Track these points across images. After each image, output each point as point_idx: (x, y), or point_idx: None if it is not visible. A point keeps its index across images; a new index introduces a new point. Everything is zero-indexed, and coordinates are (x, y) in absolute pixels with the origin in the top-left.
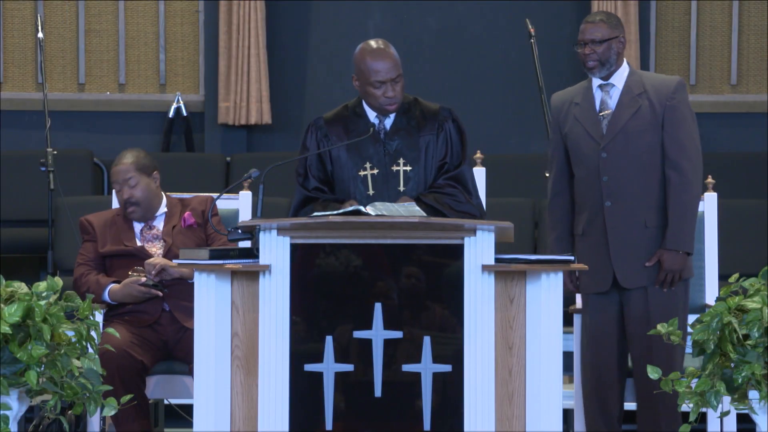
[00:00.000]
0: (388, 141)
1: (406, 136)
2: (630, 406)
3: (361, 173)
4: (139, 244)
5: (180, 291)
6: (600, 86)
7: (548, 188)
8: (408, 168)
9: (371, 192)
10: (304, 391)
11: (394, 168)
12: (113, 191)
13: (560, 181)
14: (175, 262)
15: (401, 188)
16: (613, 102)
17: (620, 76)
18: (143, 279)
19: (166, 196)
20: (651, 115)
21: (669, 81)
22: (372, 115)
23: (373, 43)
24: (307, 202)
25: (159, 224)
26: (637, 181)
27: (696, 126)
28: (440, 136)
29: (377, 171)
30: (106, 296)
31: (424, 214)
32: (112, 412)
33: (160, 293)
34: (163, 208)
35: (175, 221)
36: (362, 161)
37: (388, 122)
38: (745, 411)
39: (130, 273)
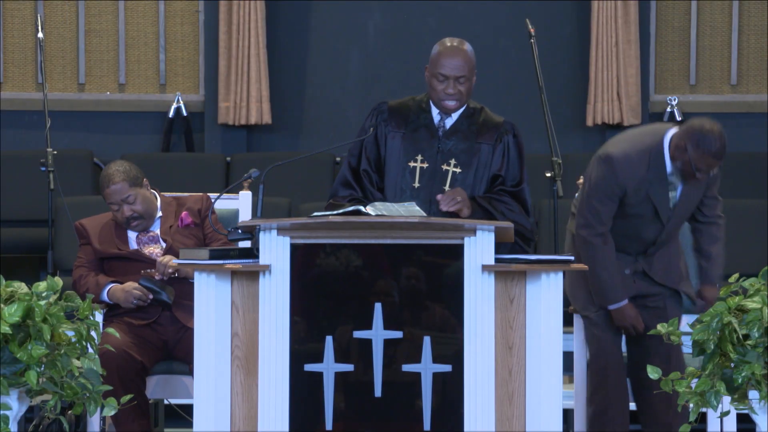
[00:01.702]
0: (444, 140)
1: (463, 140)
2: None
3: (411, 164)
4: (134, 247)
5: (181, 290)
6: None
7: (597, 221)
8: (457, 170)
9: (417, 184)
10: (304, 391)
11: (444, 167)
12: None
13: (609, 223)
14: (175, 261)
15: (446, 188)
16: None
17: None
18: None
19: (160, 196)
20: (704, 185)
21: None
22: (435, 111)
23: (448, 41)
24: (347, 186)
25: (155, 227)
26: (676, 237)
27: None
28: (497, 148)
29: (427, 165)
30: (104, 296)
31: (424, 214)
32: (112, 412)
33: (167, 295)
34: (159, 212)
35: (171, 221)
36: (415, 153)
37: (449, 122)
38: (745, 411)
39: (143, 272)
